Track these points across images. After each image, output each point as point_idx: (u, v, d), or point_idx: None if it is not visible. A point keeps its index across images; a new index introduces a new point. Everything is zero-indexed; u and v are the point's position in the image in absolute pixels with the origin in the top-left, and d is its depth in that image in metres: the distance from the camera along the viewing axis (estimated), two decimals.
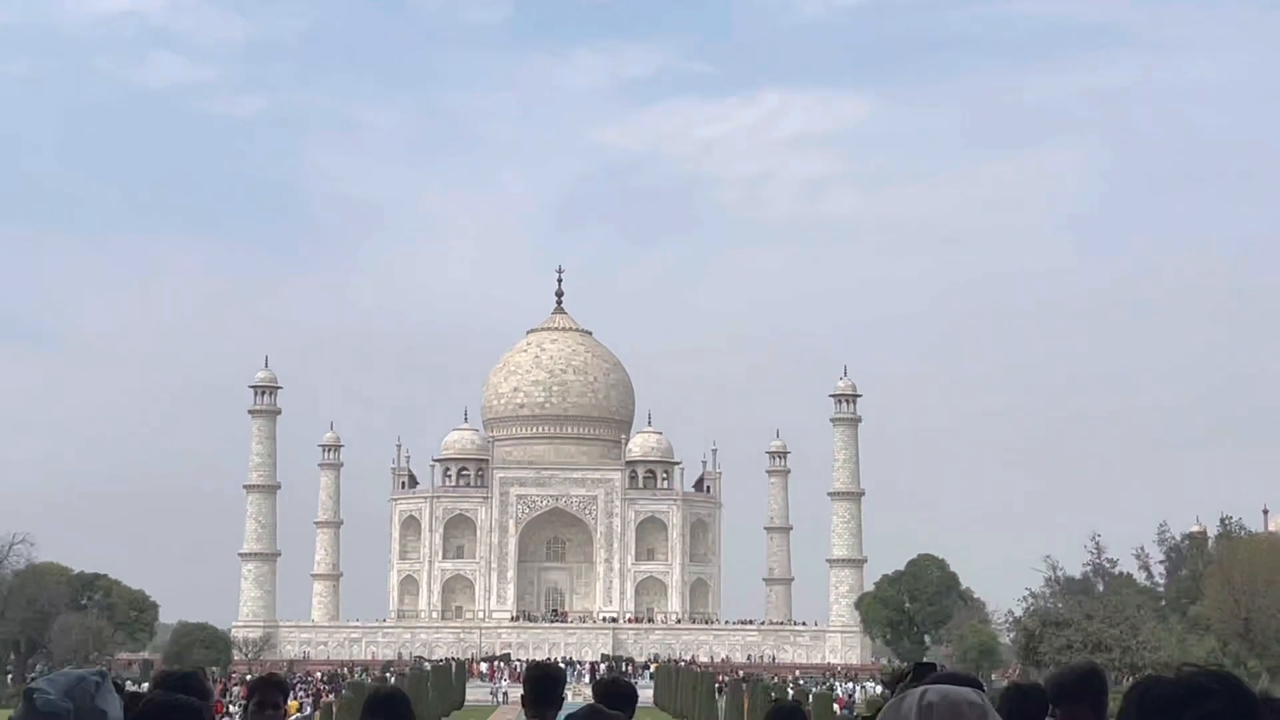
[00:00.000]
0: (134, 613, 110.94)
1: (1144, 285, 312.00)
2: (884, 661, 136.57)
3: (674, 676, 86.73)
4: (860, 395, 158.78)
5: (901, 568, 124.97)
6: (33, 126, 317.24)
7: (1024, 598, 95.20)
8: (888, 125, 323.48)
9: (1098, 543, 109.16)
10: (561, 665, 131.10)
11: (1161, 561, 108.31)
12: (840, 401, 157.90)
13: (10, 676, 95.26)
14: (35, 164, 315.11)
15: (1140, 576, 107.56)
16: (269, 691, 7.99)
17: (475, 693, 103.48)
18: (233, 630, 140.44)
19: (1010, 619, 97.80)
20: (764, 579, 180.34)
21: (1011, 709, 6.89)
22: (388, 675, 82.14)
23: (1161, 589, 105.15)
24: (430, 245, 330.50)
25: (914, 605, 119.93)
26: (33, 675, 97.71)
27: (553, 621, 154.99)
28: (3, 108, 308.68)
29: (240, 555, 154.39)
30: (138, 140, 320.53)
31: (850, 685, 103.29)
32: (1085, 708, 6.59)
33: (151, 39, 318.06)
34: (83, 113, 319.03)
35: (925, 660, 7.76)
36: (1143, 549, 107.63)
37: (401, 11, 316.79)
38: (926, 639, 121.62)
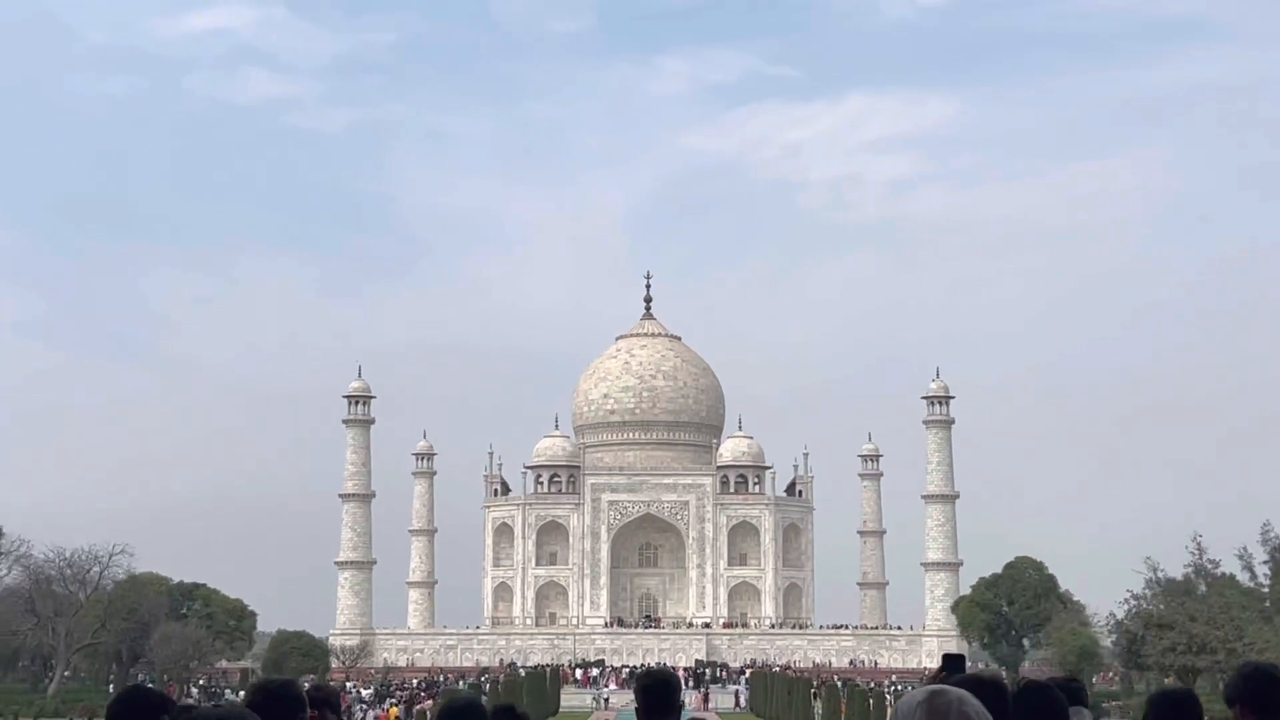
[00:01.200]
0: (232, 622, 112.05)
1: (1239, 279, 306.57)
2: (982, 665, 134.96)
3: (769, 682, 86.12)
4: (953, 397, 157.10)
5: (998, 570, 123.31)
6: (128, 145, 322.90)
7: (1125, 599, 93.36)
8: (975, 125, 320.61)
9: (1199, 543, 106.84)
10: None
11: (1265, 562, 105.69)
12: (933, 403, 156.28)
13: (112, 686, 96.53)
14: (131, 182, 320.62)
15: (1244, 577, 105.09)
16: (321, 711, 7.74)
17: (570, 699, 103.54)
18: (330, 638, 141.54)
19: (1111, 621, 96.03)
20: (858, 583, 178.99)
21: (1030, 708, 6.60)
22: (482, 681, 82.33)
23: (1266, 590, 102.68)
24: (519, 253, 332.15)
25: (1012, 608, 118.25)
26: (134, 685, 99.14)
27: (646, 627, 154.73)
28: (99, 127, 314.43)
29: (336, 563, 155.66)
30: (230, 156, 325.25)
31: None
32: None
33: (242, 56, 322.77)
34: (176, 130, 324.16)
35: (953, 653, 7.47)
36: (1245, 549, 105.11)
37: (488, 23, 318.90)
38: (1025, 642, 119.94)
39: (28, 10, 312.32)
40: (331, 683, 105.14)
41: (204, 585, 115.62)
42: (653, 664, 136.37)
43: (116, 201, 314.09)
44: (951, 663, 7.18)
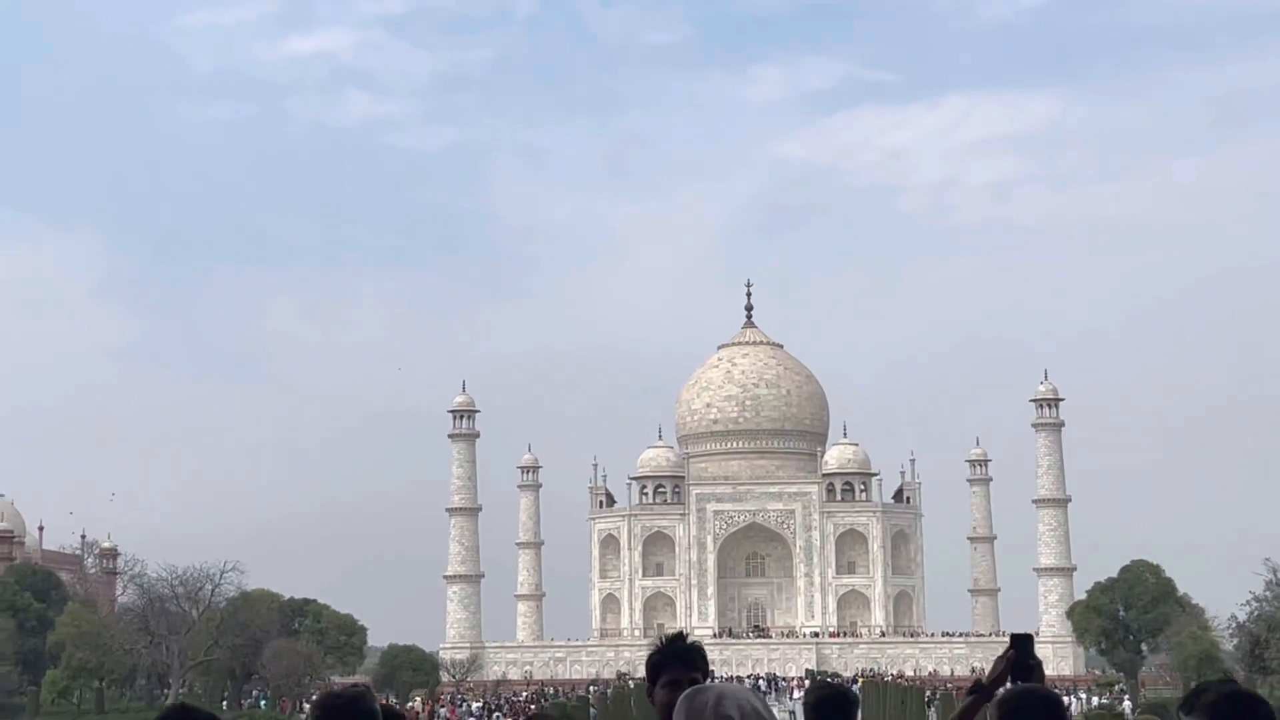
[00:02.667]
0: (343, 637, 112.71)
1: None
2: (1099, 672, 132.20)
3: (882, 691, 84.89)
4: (1062, 399, 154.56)
5: (1113, 575, 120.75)
6: (235, 169, 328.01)
7: (1247, 602, 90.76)
8: (1076, 124, 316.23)
9: None
10: (763, 681, 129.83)
11: None
12: (1042, 406, 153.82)
13: (225, 703, 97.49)
14: (239, 205, 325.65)
15: None
16: None
17: None
18: (440, 651, 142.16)
19: (1233, 624, 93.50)
20: (969, 590, 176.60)
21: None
22: (591, 692, 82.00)
23: None
24: (619, 265, 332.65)
25: (1129, 613, 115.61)
26: (249, 702, 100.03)
27: (755, 637, 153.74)
28: (208, 152, 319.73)
29: (445, 577, 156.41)
30: (334, 177, 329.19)
31: (1067, 699, 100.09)
32: None
33: (343, 78, 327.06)
34: (281, 153, 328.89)
35: (1021, 633, 6.75)
36: None
37: (583, 37, 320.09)
38: (1143, 647, 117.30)
39: (139, 41, 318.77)
40: (441, 695, 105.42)
41: (314, 601, 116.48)
42: (763, 674, 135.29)
43: (225, 225, 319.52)
44: (1020, 643, 6.51)
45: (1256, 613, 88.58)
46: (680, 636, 6.72)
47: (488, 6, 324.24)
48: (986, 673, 6.59)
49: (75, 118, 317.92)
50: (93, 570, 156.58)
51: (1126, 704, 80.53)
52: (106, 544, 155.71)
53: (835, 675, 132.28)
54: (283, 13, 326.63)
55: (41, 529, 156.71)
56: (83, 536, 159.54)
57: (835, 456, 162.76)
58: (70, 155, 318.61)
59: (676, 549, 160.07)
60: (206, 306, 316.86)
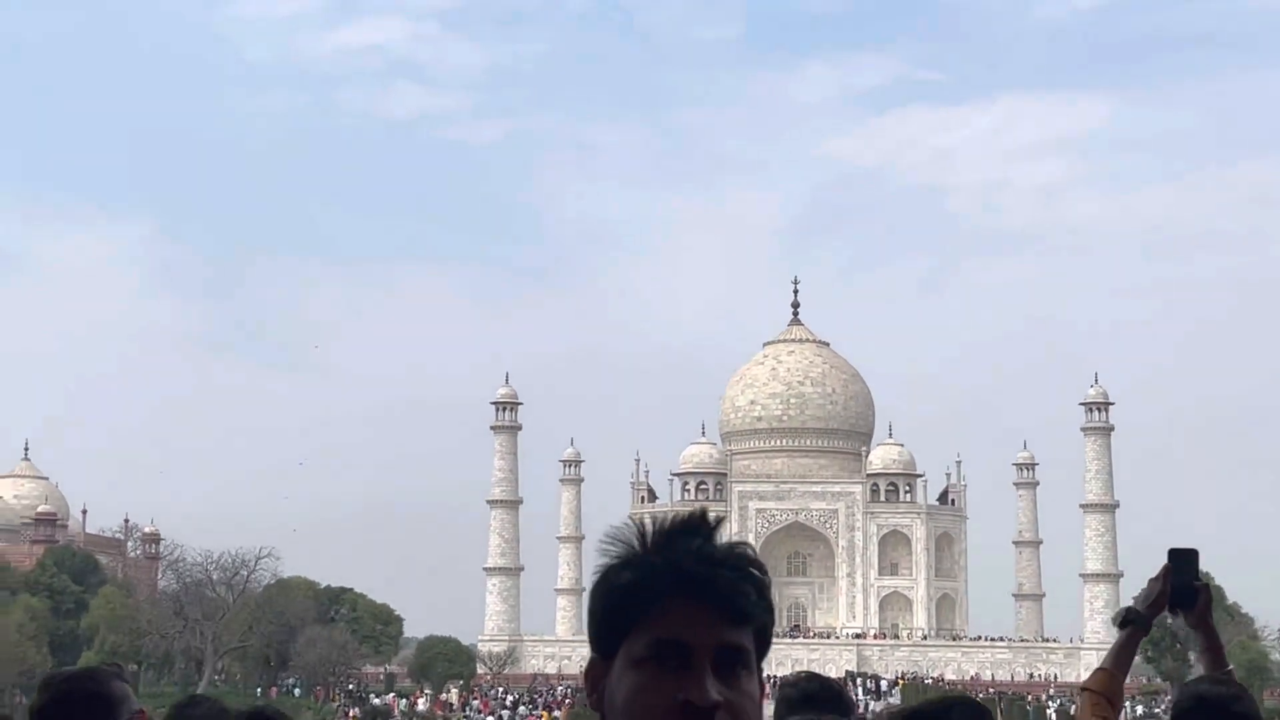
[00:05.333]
0: (379, 626, 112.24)
1: None
2: (1144, 680, 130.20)
3: (923, 694, 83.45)
4: (1112, 403, 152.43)
5: None
6: (286, 159, 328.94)
7: None
8: (1129, 127, 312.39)
9: None
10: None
11: None
12: (1091, 410, 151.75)
13: (260, 690, 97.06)
14: (289, 195, 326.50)
15: None
16: None
17: None
18: (477, 644, 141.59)
19: None
20: (1013, 594, 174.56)
21: None
22: None
23: None
24: (666, 261, 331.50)
25: (1177, 621, 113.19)
26: (283, 689, 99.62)
27: (795, 638, 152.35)
28: (259, 142, 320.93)
29: (484, 570, 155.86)
30: (384, 169, 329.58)
31: None
32: None
33: (395, 70, 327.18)
34: (332, 144, 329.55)
35: (1182, 547, 5.40)
36: None
37: (634, 32, 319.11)
38: (1191, 656, 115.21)
39: (193, 30, 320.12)
40: (476, 687, 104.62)
41: (351, 590, 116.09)
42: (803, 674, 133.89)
43: (275, 214, 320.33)
44: (1181, 559, 5.20)
45: None
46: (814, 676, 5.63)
47: (539, 0, 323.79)
48: (1138, 598, 5.37)
49: (129, 106, 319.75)
50: (134, 554, 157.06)
51: None
52: (149, 528, 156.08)
53: (875, 677, 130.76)
54: (336, 4, 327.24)
55: (85, 512, 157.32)
56: (125, 520, 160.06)
57: (880, 457, 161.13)
58: (124, 143, 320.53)
59: None
60: (254, 295, 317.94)
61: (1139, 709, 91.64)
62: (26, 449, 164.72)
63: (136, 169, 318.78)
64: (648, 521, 2.93)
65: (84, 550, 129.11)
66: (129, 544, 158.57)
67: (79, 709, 4.79)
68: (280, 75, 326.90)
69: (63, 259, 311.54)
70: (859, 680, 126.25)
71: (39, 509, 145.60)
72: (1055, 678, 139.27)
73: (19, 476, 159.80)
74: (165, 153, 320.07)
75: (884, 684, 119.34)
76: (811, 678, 5.97)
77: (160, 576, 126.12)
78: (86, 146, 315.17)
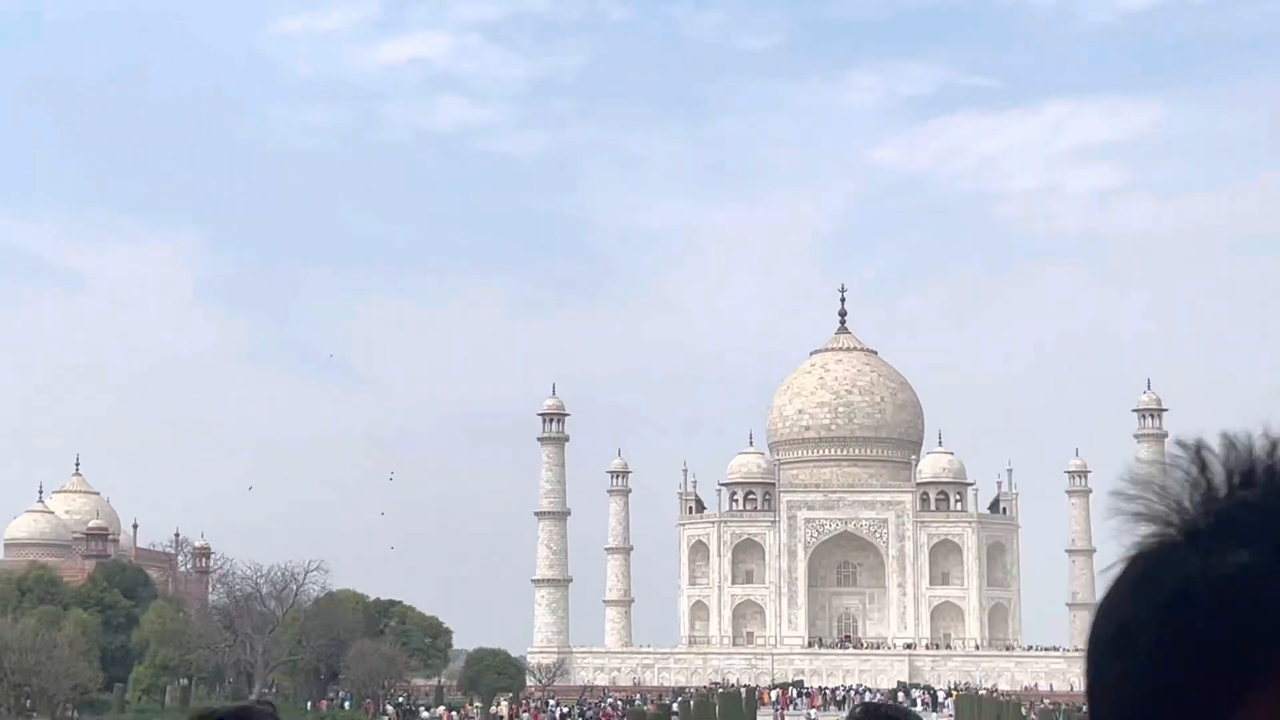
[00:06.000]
0: (428, 639, 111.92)
1: None
2: None
3: (977, 705, 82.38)
4: (1166, 410, 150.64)
5: None
6: (330, 174, 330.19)
7: None
8: (1182, 131, 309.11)
9: None
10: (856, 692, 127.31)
11: None
12: (1144, 416, 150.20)
13: (310, 703, 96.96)
14: (334, 210, 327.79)
15: None
16: None
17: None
18: (527, 656, 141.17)
19: None
20: (1066, 604, 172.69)
21: None
22: (676, 701, 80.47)
23: None
24: (711, 270, 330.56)
25: None
26: (334, 702, 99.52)
27: (846, 648, 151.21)
28: (303, 155, 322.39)
29: (533, 581, 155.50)
30: (428, 183, 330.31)
31: None
32: None
33: (438, 83, 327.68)
34: (377, 159, 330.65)
35: None
36: None
37: (677, 42, 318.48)
38: None
39: (238, 45, 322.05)
40: (525, 699, 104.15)
41: (400, 603, 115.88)
42: (853, 686, 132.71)
43: (320, 227, 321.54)
44: None
45: None
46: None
47: (581, 11, 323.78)
48: None
49: (175, 120, 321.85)
50: (185, 568, 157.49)
51: None
52: (199, 543, 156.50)
53: (928, 688, 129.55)
54: (379, 18, 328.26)
55: (136, 527, 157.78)
56: (176, 535, 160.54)
57: (930, 465, 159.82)
58: (170, 157, 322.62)
59: (766, 556, 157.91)
60: (300, 308, 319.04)
61: None
62: (78, 464, 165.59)
63: (183, 183, 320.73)
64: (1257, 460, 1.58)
65: (135, 565, 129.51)
66: (179, 558, 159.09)
67: None
68: (325, 89, 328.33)
69: (110, 273, 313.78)
70: (911, 691, 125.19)
71: (90, 524, 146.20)
72: None
73: (70, 492, 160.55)
74: (211, 167, 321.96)
75: (940, 695, 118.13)
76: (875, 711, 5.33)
77: (210, 590, 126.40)
78: (133, 161, 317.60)
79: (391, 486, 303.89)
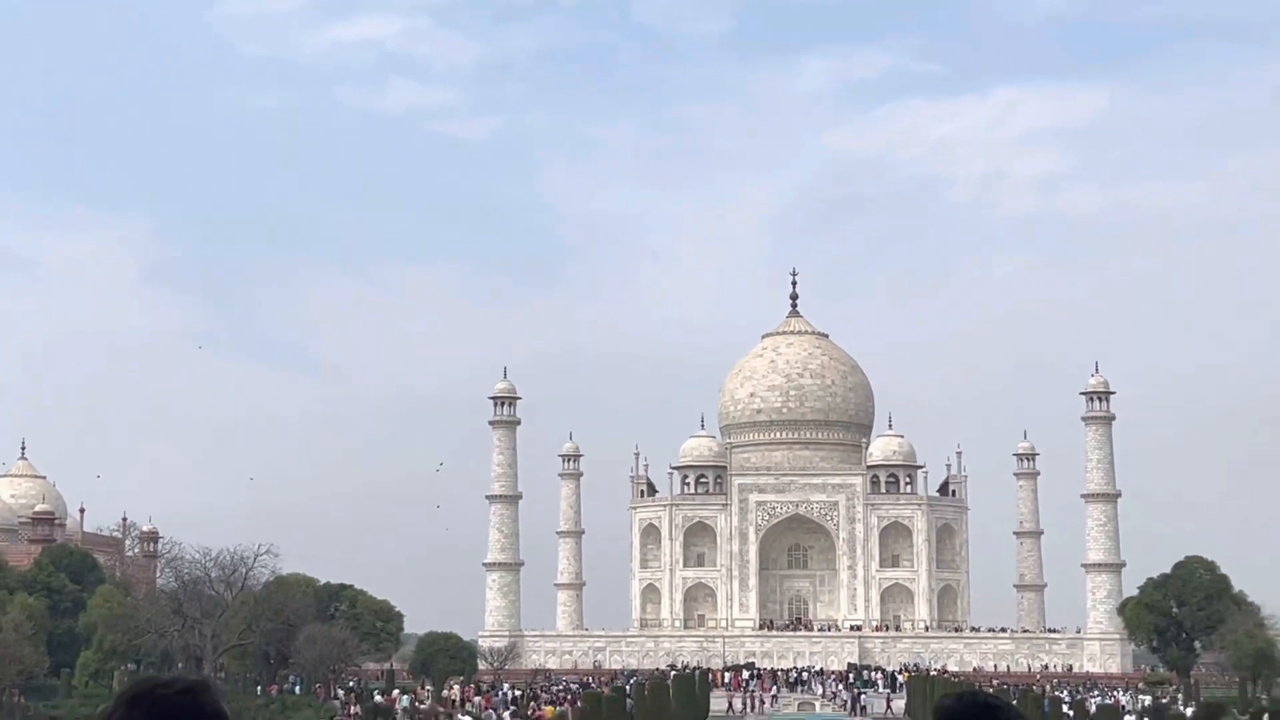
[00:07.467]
0: (379, 623, 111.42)
1: None
2: (1148, 670, 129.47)
3: (928, 687, 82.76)
4: (1113, 393, 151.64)
5: (1165, 571, 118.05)
6: (281, 156, 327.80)
7: None
8: (1126, 118, 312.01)
9: None
10: (806, 673, 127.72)
11: None
12: (1092, 399, 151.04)
13: (260, 687, 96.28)
14: (285, 192, 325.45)
15: None
16: None
17: (719, 702, 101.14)
18: (478, 640, 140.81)
19: None
20: (1015, 585, 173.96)
21: None
22: (630, 684, 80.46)
23: None
24: (664, 254, 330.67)
25: (1182, 610, 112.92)
26: (285, 687, 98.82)
27: (797, 630, 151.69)
28: (254, 139, 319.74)
29: (484, 565, 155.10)
30: (380, 166, 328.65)
31: (1114, 697, 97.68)
32: None
33: (389, 66, 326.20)
34: (327, 141, 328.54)
35: None
36: None
37: (629, 27, 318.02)
38: (1196, 645, 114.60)
39: (187, 28, 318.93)
40: (478, 683, 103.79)
41: (351, 586, 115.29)
42: (804, 667, 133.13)
43: (271, 212, 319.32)
44: None
45: None
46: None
47: None
48: None
49: (124, 105, 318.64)
50: (132, 553, 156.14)
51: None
52: (147, 527, 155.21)
53: (878, 669, 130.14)
54: (328, 1, 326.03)
55: (83, 511, 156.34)
56: (124, 519, 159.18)
57: (880, 448, 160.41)
58: (119, 142, 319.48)
59: (718, 540, 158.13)
60: (251, 293, 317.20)
61: (1145, 699, 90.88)
62: (24, 448, 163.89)
63: (131, 167, 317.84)
64: None
65: (81, 549, 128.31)
66: (127, 542, 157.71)
67: None
68: (275, 72, 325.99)
69: (58, 258, 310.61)
70: (865, 672, 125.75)
71: (36, 508, 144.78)
72: (1072, 668, 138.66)
73: (16, 476, 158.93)
74: (159, 151, 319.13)
75: (898, 676, 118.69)
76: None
77: (159, 574, 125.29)
78: (80, 145, 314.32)
79: (346, 469, 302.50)
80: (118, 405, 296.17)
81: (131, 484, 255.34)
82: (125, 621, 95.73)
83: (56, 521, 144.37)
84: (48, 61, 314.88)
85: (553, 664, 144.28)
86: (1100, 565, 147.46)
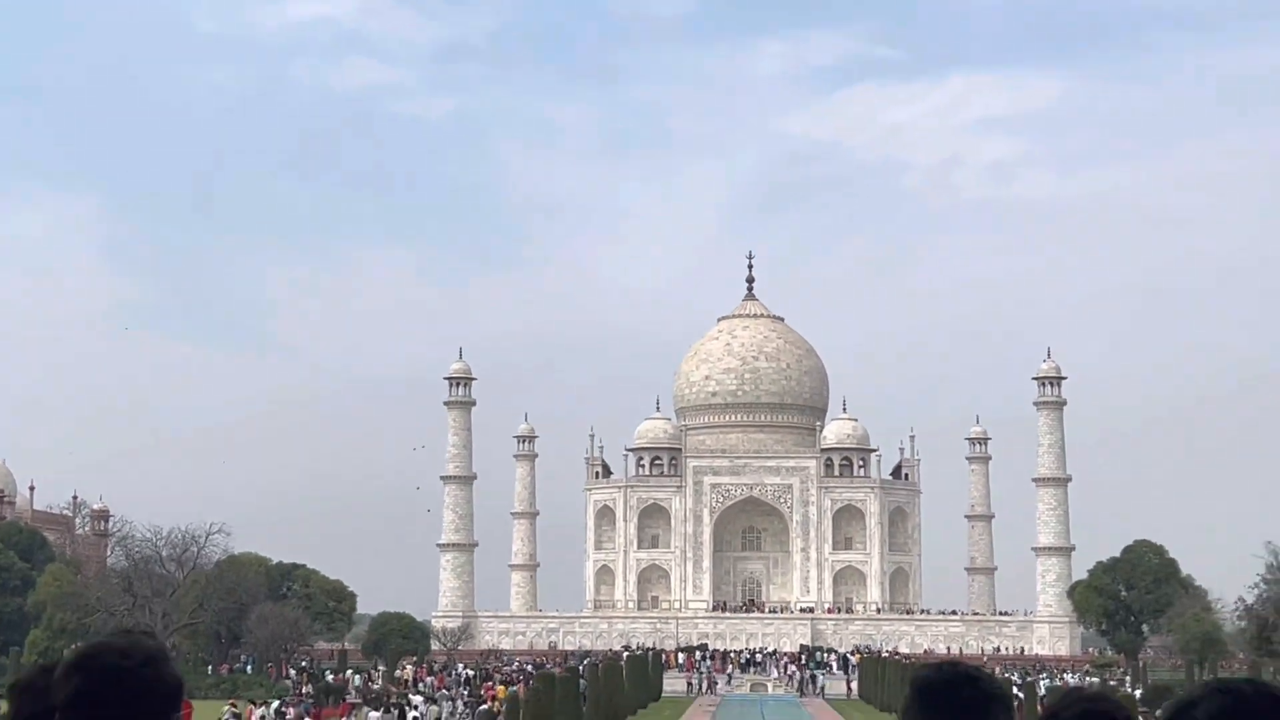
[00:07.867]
0: (332, 603, 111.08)
1: None
2: (1097, 652, 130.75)
3: (879, 668, 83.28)
4: (1065, 378, 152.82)
5: (1114, 555, 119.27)
6: (234, 134, 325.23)
7: (1254, 585, 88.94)
8: (1079, 105, 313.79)
9: None
10: (760, 654, 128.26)
11: None
12: (1044, 384, 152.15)
13: (211, 667, 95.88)
14: (237, 170, 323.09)
15: None
16: None
17: (673, 683, 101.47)
18: (432, 620, 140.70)
19: (1241, 607, 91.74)
20: (966, 568, 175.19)
21: None
22: (583, 665, 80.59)
23: None
24: (620, 236, 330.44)
25: (1130, 594, 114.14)
26: (236, 666, 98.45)
27: (750, 612, 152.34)
28: (207, 116, 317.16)
29: (439, 546, 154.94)
30: (334, 144, 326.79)
31: (1062, 679, 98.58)
32: None
33: (345, 44, 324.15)
34: (282, 119, 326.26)
35: None
36: None
37: (587, 7, 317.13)
38: (1144, 629, 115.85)
39: (140, 2, 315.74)
40: (431, 663, 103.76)
41: (303, 566, 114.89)
42: (757, 649, 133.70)
43: (223, 189, 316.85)
44: None
45: (1266, 595, 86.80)
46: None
47: None
48: None
49: (76, 81, 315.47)
50: (83, 531, 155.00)
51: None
52: (98, 505, 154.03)
53: (830, 650, 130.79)
54: None
55: (33, 489, 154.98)
56: (74, 497, 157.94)
57: (834, 431, 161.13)
58: (71, 119, 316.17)
59: (672, 521, 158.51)
60: (205, 272, 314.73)
61: (1093, 681, 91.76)
62: None
63: (82, 144, 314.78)
64: None
65: (31, 527, 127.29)
66: (77, 521, 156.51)
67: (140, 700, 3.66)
68: (229, 48, 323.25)
69: (8, 236, 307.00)
70: (818, 654, 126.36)
71: None
72: (1023, 650, 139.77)
73: None
74: (112, 127, 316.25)
75: (851, 658, 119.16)
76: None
77: (109, 553, 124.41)
78: (30, 121, 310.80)
79: (301, 449, 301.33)
80: (69, 383, 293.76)
81: (82, 462, 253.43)
82: (75, 600, 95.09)
83: (5, 499, 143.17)
84: (0, 40, 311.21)
85: (506, 645, 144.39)
86: (1050, 549, 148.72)
